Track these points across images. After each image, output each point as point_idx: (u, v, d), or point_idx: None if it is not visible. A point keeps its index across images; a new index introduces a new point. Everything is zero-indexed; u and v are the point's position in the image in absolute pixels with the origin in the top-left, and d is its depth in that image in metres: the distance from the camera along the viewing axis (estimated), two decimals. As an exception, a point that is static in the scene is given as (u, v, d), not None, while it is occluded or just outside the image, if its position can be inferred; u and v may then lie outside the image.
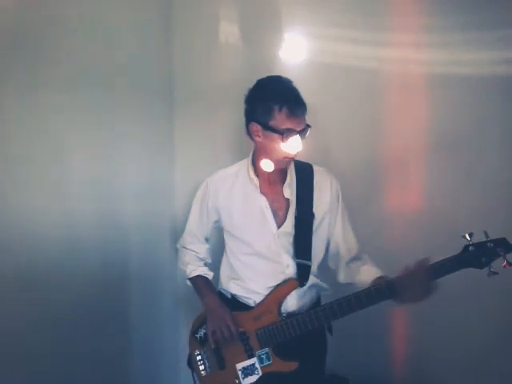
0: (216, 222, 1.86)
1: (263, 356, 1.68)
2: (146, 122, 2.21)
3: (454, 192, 2.03)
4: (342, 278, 1.77)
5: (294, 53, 2.22)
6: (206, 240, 1.93)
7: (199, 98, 2.31)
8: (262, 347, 1.69)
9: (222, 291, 1.87)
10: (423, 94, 2.09)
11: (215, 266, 1.93)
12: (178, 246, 1.98)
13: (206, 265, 1.92)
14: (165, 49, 2.33)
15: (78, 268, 1.83)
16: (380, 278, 1.62)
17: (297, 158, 1.71)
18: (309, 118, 2.22)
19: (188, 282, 1.91)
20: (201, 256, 1.92)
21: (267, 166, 1.67)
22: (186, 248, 1.92)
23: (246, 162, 1.77)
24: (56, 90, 1.73)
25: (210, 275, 1.89)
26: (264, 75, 2.24)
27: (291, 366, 1.66)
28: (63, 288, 1.76)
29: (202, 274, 1.88)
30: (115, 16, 1.98)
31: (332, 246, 1.78)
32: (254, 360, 1.69)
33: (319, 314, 1.61)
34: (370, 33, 2.09)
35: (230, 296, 1.84)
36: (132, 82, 2.09)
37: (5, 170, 1.57)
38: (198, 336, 1.82)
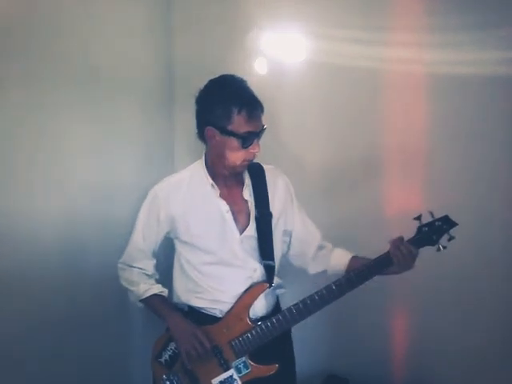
0: (167, 233, 1.71)
1: (240, 365, 1.60)
2: (145, 121, 2.21)
3: (454, 192, 2.03)
4: (312, 269, 1.75)
5: (295, 53, 2.21)
6: (153, 255, 1.75)
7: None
8: (237, 357, 1.60)
9: (179, 305, 1.73)
10: (425, 93, 2.08)
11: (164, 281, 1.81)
12: (120, 264, 1.76)
13: (157, 281, 1.75)
14: (165, 49, 2.33)
15: (78, 268, 1.84)
16: (354, 258, 1.68)
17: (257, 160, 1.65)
18: (309, 119, 2.24)
19: (139, 304, 1.72)
20: (149, 273, 1.74)
21: (227, 169, 1.60)
22: (132, 266, 1.73)
23: (199, 167, 1.68)
24: (56, 90, 1.73)
25: (165, 292, 1.72)
26: (264, 75, 2.25)
27: (272, 368, 1.60)
28: (63, 288, 1.77)
29: (157, 292, 1.70)
30: (115, 16, 1.99)
31: (295, 243, 1.75)
32: (231, 372, 1.60)
33: (293, 313, 1.57)
34: (371, 32, 2.08)
35: (186, 309, 1.71)
36: (132, 82, 2.09)
37: (5, 170, 1.57)
38: (162, 360, 1.68)
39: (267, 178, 1.70)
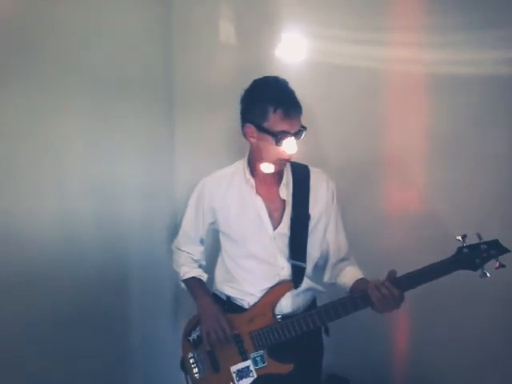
0: (211, 223, 1.84)
1: (258, 358, 1.67)
2: (146, 122, 2.21)
3: (454, 192, 2.03)
4: (326, 277, 1.78)
5: (294, 53, 2.21)
6: (201, 242, 1.91)
7: (199, 98, 2.31)
8: (256, 350, 1.68)
9: (217, 293, 1.86)
10: (424, 93, 2.08)
11: (210, 267, 1.93)
12: (173, 247, 1.96)
13: (200, 266, 1.91)
14: (165, 49, 2.33)
15: (78, 268, 1.83)
16: (360, 280, 1.65)
17: (293, 159, 1.69)
18: (309, 119, 2.23)
19: (182, 284, 1.90)
20: (195, 258, 1.90)
21: (264, 167, 1.66)
22: (181, 249, 1.91)
23: (242, 163, 1.76)
24: (56, 91, 1.73)
25: (204, 277, 1.88)
26: (264, 75, 2.25)
27: (287, 368, 1.65)
28: (63, 288, 1.77)
29: (196, 275, 1.86)
30: (115, 16, 1.98)
31: (323, 245, 1.77)
32: (248, 362, 1.68)
33: (314, 317, 1.60)
34: (371, 32, 2.08)
35: (225, 298, 1.83)
36: (132, 82, 2.09)
37: (5, 170, 1.57)
38: (191, 338, 1.81)
39: (311, 180, 1.74)
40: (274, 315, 1.68)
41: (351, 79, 2.13)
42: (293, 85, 2.23)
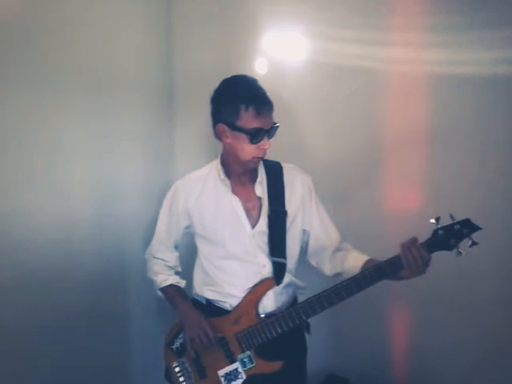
0: (187, 227, 1.80)
1: (245, 359, 1.64)
2: (145, 121, 2.21)
3: (454, 193, 2.03)
4: (328, 270, 1.74)
5: (294, 52, 2.21)
6: (176, 247, 1.86)
7: (199, 97, 2.31)
8: (243, 351, 1.65)
9: (197, 298, 1.81)
10: (425, 93, 2.08)
11: (186, 273, 1.87)
12: (146, 255, 1.89)
13: (176, 273, 1.85)
14: (165, 49, 2.33)
15: (78, 268, 1.84)
16: (369, 260, 1.62)
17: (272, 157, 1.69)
18: (309, 119, 2.24)
19: (159, 293, 1.83)
20: (171, 264, 1.85)
21: (238, 166, 1.64)
22: (156, 257, 1.85)
23: (216, 164, 1.73)
24: (56, 90, 1.73)
25: (182, 283, 1.82)
26: (264, 75, 2.25)
27: (275, 365, 1.62)
28: (62, 288, 1.77)
29: (173, 283, 1.80)
30: (115, 16, 1.99)
31: (312, 241, 1.75)
32: (236, 365, 1.65)
33: (299, 311, 1.58)
34: (371, 32, 2.07)
35: (204, 302, 1.78)
36: (132, 82, 2.09)
37: (5, 170, 1.57)
38: (174, 347, 1.76)
39: (285, 176, 1.73)
40: (258, 314, 1.65)
41: (351, 79, 2.13)
42: (293, 85, 2.26)
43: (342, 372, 2.28)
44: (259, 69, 2.26)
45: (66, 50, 1.75)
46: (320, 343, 2.30)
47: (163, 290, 1.80)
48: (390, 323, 2.22)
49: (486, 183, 2.00)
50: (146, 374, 2.26)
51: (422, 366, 2.18)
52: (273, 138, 1.61)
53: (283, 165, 1.76)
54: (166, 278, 1.81)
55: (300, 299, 1.77)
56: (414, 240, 1.46)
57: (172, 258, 1.85)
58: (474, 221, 1.42)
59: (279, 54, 2.23)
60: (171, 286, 1.80)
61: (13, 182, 1.60)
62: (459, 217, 1.45)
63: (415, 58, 2.05)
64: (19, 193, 1.63)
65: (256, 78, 1.65)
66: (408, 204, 2.12)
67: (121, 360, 2.13)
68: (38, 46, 1.65)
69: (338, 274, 1.71)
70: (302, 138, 2.25)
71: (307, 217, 1.74)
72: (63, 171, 1.79)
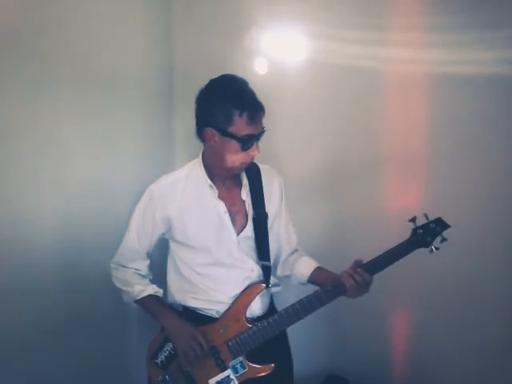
0: (163, 234, 1.69)
1: (237, 365, 1.61)
2: (145, 121, 2.21)
3: (455, 192, 2.03)
4: (279, 271, 1.78)
5: (295, 53, 2.21)
6: (148, 255, 1.73)
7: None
8: (234, 357, 1.60)
9: (174, 306, 1.71)
10: (425, 93, 2.08)
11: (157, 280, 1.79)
12: (113, 265, 1.72)
13: (151, 281, 1.73)
14: (165, 49, 2.33)
15: (78, 268, 1.84)
16: (318, 269, 1.69)
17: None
18: (312, 119, 2.23)
19: (134, 305, 1.69)
20: (143, 273, 1.71)
21: (225, 171, 1.58)
22: (126, 267, 1.70)
23: (197, 165, 1.65)
24: (56, 90, 1.73)
25: (160, 292, 1.69)
26: (264, 75, 2.25)
27: (268, 368, 1.60)
28: (62, 288, 1.77)
29: (152, 293, 1.66)
30: (115, 16, 1.99)
31: (274, 242, 1.74)
32: (228, 372, 1.61)
33: (290, 313, 1.57)
34: (371, 32, 2.07)
35: (181, 309, 1.69)
36: (132, 82, 2.09)
37: (5, 170, 1.57)
38: (158, 361, 1.66)
39: (263, 177, 1.68)
40: (247, 319, 1.61)
41: (351, 79, 2.13)
42: (293, 85, 2.25)
43: (342, 372, 2.28)
44: (259, 69, 2.26)
45: (65, 51, 1.75)
46: (320, 343, 2.31)
47: (140, 301, 1.66)
48: (389, 323, 2.22)
49: (488, 184, 1.99)
50: (145, 373, 2.26)
51: (422, 365, 2.18)
52: (265, 140, 1.57)
53: (260, 166, 1.71)
54: (142, 288, 1.66)
55: (274, 296, 1.78)
56: (355, 265, 1.52)
57: (143, 266, 1.72)
58: (444, 219, 1.53)
59: (279, 54, 2.23)
60: (150, 296, 1.66)
61: (13, 183, 1.61)
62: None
63: (416, 57, 2.05)
64: (19, 193, 1.63)
65: (251, 78, 1.59)
66: (408, 203, 2.11)
67: (121, 360, 2.13)
68: (38, 46, 1.65)
69: (288, 277, 1.76)
70: (301, 138, 2.25)
71: (278, 218, 1.74)
72: (63, 171, 1.79)
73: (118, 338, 2.08)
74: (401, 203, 2.12)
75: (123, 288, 1.69)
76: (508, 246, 1.99)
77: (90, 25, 1.85)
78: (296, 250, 1.78)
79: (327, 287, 1.56)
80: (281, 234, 1.75)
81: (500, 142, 1.98)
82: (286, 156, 2.21)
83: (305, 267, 1.71)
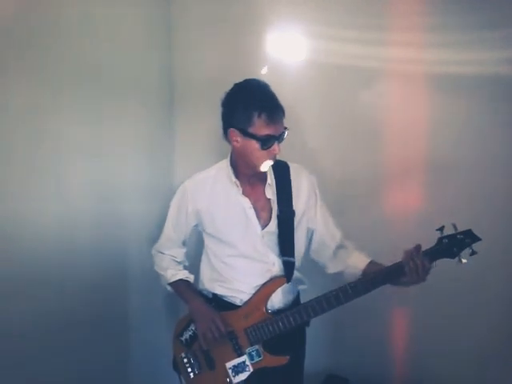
0: (195, 226, 1.85)
1: (253, 353, 1.70)
2: (145, 121, 2.21)
3: (455, 192, 2.03)
4: (331, 268, 1.79)
5: (295, 53, 2.21)
6: (184, 244, 1.91)
7: (199, 98, 2.31)
8: (251, 345, 1.70)
9: (204, 292, 1.86)
10: (425, 93, 2.08)
11: (192, 268, 1.92)
12: (153, 251, 1.93)
13: (184, 268, 1.91)
14: (165, 49, 2.33)
15: (78, 268, 1.84)
16: (371, 263, 1.70)
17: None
18: (312, 119, 2.23)
19: (168, 288, 1.89)
20: (179, 260, 1.90)
21: (249, 169, 1.68)
22: (163, 253, 1.90)
23: (225, 165, 1.77)
24: (56, 90, 1.73)
25: (191, 278, 1.88)
26: (264, 75, 2.25)
27: (282, 360, 1.68)
28: (62, 288, 1.77)
29: (183, 277, 1.86)
30: (115, 16, 1.99)
31: (316, 237, 1.80)
32: (243, 358, 1.70)
33: (308, 309, 1.64)
34: (371, 32, 2.07)
35: (211, 296, 1.84)
36: (133, 84, 2.09)
37: (5, 170, 1.57)
38: (183, 339, 1.81)
39: (292, 176, 1.77)
40: (267, 310, 1.71)
41: (351, 79, 2.13)
42: (293, 85, 2.25)
43: (342, 372, 2.29)
44: (259, 69, 2.26)
45: (66, 52, 1.75)
46: (320, 343, 2.31)
47: (173, 284, 1.86)
48: (389, 323, 2.22)
49: (488, 183, 1.99)
50: (145, 373, 2.26)
51: (422, 365, 2.19)
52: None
53: (290, 164, 1.79)
54: (175, 272, 1.86)
55: (301, 294, 1.83)
56: (417, 248, 1.53)
57: (180, 253, 1.90)
58: (475, 232, 1.50)
59: (279, 54, 2.23)
60: (181, 280, 1.85)
61: (13, 183, 1.61)
62: (461, 221, 1.50)
63: (416, 57, 2.05)
64: (19, 193, 1.63)
65: (267, 83, 1.66)
66: (410, 204, 2.12)
67: (121, 360, 2.13)
68: (38, 47, 1.65)
69: (339, 273, 1.77)
70: (301, 139, 2.24)
71: (312, 215, 1.78)
72: (64, 172, 1.79)
73: (118, 339, 2.08)
74: (400, 202, 2.12)
75: (160, 272, 1.89)
76: (508, 246, 1.99)
77: (90, 25, 1.85)
78: (343, 246, 1.79)
79: (385, 269, 1.57)
80: (319, 230, 1.79)
81: (499, 142, 1.98)
82: (285, 156, 2.21)
83: (358, 261, 1.73)
